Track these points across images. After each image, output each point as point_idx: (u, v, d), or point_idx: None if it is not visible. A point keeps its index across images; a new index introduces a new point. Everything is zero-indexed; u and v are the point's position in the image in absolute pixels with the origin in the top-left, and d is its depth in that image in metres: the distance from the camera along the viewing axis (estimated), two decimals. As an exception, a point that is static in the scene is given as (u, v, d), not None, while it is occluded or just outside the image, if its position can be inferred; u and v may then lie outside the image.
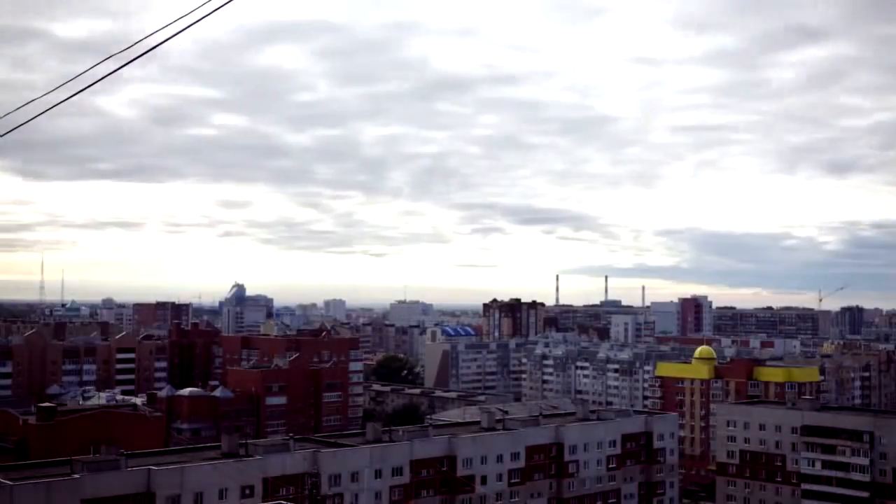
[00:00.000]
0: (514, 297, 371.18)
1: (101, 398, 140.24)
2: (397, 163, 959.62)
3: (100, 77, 19.84)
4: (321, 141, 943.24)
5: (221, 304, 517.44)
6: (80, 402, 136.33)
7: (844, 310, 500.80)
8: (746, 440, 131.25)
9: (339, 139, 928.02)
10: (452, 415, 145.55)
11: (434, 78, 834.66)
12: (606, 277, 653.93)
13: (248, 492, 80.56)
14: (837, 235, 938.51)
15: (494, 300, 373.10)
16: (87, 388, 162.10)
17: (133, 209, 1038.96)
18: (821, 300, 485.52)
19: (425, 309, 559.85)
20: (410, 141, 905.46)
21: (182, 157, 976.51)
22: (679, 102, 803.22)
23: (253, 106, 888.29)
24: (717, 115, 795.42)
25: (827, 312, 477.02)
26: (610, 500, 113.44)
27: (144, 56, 17.80)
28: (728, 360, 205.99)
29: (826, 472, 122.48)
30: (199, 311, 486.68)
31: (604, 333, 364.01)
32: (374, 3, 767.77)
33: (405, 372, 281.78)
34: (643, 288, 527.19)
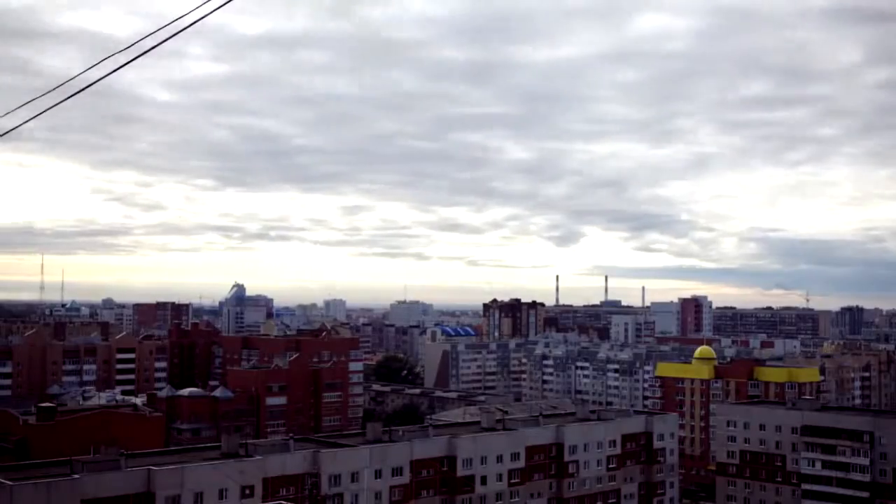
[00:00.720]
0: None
1: (101, 398, 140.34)
2: (572, 175, 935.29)
3: (99, 78, 19.85)
4: (532, 155, 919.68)
5: (221, 304, 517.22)
6: (80, 402, 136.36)
7: (844, 310, 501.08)
8: (746, 440, 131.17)
9: (553, 153, 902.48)
10: (452, 415, 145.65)
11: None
12: (606, 277, 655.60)
13: (248, 492, 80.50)
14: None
15: (494, 300, 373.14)
16: (87, 388, 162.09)
17: (245, 215, 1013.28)
18: (807, 300, 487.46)
19: (425, 309, 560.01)
20: (613, 159, 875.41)
21: (357, 166, 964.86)
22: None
23: (519, 123, 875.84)
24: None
25: (827, 312, 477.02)
26: (610, 500, 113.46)
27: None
28: (728, 360, 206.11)
29: (826, 473, 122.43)
30: (200, 311, 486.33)
31: (604, 333, 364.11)
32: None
33: (405, 372, 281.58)
34: (643, 288, 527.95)
